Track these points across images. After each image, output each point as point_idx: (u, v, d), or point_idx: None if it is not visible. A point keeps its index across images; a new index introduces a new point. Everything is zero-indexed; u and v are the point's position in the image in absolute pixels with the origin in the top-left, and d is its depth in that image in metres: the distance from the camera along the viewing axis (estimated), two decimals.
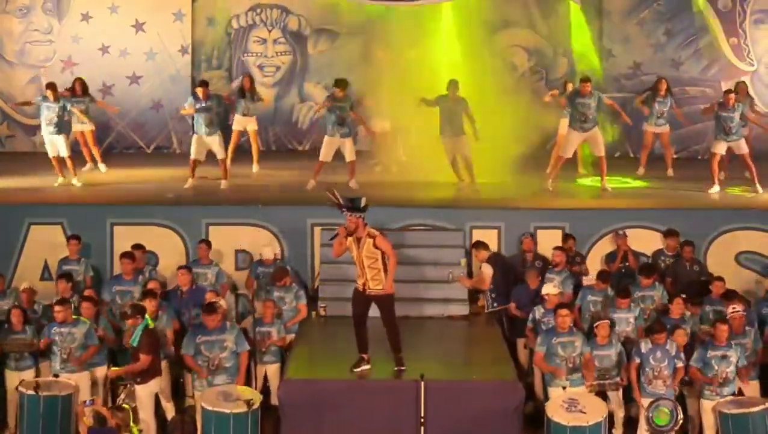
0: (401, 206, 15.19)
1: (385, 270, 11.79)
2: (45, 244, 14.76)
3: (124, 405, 11.26)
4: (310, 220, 15.02)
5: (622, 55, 19.76)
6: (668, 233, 14.57)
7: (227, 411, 11.50)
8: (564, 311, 12.15)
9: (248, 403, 11.57)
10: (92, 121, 17.70)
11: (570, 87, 17.32)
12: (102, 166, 17.77)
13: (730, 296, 12.98)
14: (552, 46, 19.96)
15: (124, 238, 14.60)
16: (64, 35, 19.92)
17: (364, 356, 12.02)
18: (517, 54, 19.81)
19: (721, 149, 16.21)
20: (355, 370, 11.95)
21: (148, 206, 15.38)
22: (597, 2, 19.67)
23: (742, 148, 16.22)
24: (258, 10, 20.27)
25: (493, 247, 14.47)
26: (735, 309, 12.52)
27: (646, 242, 14.79)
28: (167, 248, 14.82)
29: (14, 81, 19.95)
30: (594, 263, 14.34)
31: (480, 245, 14.14)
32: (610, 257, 14.66)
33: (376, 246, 11.73)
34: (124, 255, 13.74)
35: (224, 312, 12.65)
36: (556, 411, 11.59)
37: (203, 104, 16.41)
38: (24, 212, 15.02)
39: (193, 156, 16.53)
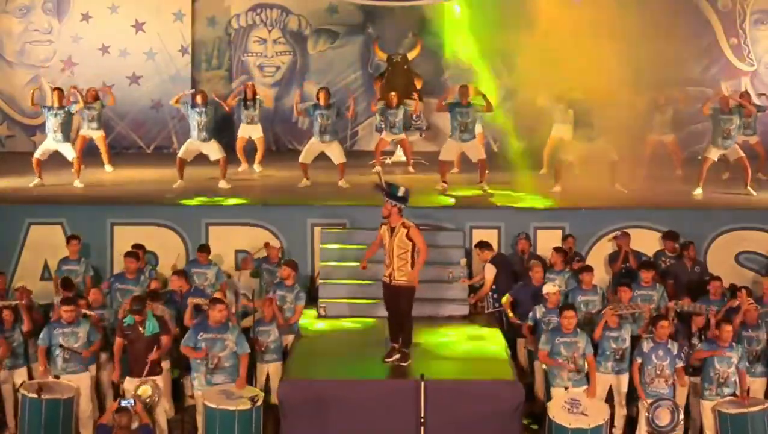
0: None
1: (413, 263, 11.88)
2: (45, 244, 14.75)
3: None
4: (310, 220, 15.02)
5: None
6: (667, 236, 14.54)
7: (231, 408, 11.46)
8: (569, 313, 12.14)
9: (252, 400, 11.56)
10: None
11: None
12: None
13: (737, 288, 12.98)
14: None
15: (124, 238, 14.60)
16: (64, 35, 19.95)
17: (395, 345, 12.08)
18: None
19: (714, 155, 16.21)
20: (387, 360, 12.01)
21: (148, 206, 15.38)
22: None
23: (738, 152, 16.20)
24: (258, 10, 20.30)
25: (493, 247, 14.45)
26: (751, 302, 12.57)
27: (646, 242, 14.78)
28: (167, 248, 14.81)
29: (14, 81, 19.99)
30: (594, 263, 14.31)
31: (484, 245, 14.12)
32: (612, 258, 14.67)
33: (408, 237, 11.86)
34: (129, 254, 13.73)
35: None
36: (557, 412, 11.57)
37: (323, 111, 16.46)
38: (24, 212, 15.01)
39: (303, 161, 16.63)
